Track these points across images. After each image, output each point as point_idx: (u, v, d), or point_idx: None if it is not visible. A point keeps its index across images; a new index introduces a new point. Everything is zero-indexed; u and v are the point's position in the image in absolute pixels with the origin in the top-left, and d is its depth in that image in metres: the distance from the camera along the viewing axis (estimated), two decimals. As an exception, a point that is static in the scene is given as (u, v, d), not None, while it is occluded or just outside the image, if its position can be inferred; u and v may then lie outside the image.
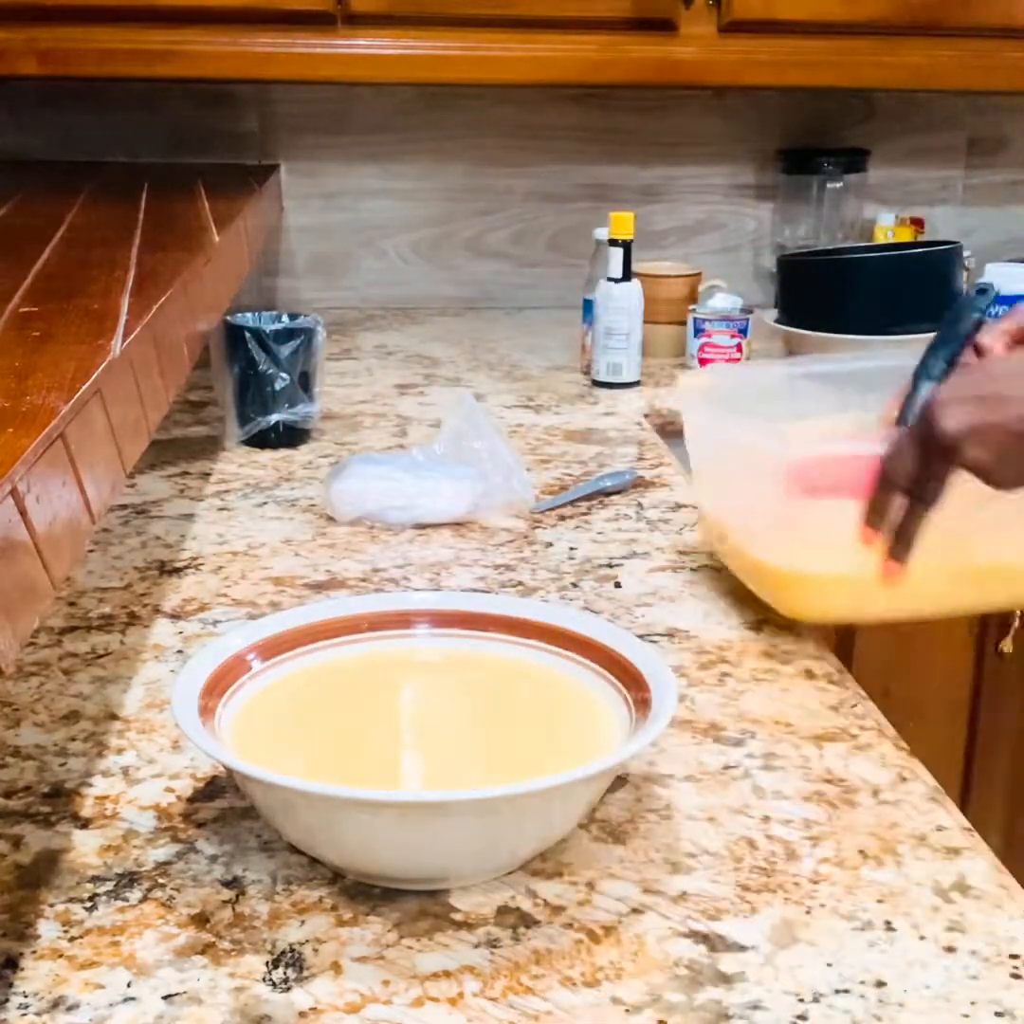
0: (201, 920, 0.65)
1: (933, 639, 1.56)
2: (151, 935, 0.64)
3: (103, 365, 0.67)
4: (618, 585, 1.06)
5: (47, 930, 0.64)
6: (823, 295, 1.79)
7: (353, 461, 1.23)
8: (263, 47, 1.77)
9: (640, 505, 1.25)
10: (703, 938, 0.64)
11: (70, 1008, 0.59)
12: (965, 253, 1.85)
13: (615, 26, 1.81)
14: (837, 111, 2.13)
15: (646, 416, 1.59)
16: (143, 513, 1.23)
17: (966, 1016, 0.59)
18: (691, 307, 1.81)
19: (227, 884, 0.68)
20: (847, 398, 1.03)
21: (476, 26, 1.79)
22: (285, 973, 0.61)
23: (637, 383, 1.71)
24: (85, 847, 0.71)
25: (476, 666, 0.79)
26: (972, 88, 1.99)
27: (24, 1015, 0.59)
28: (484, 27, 1.79)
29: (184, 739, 0.77)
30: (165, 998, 0.60)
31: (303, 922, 0.65)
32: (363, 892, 0.67)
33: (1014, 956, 0.63)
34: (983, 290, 0.93)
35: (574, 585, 1.06)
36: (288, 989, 0.60)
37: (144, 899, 0.66)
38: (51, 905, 0.66)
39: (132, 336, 0.75)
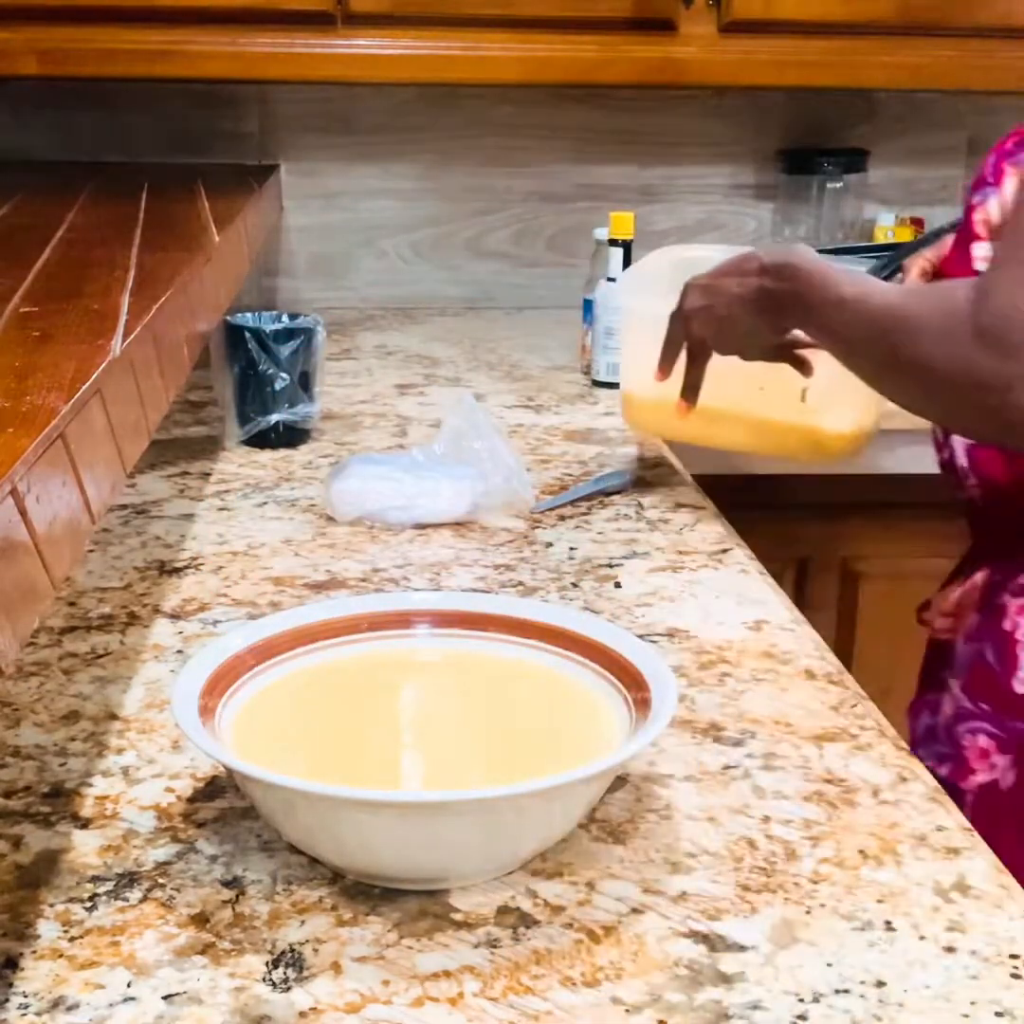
0: (201, 920, 0.65)
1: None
2: (151, 935, 0.64)
3: (103, 365, 0.67)
4: (618, 585, 1.06)
5: (47, 930, 0.64)
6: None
7: (353, 461, 1.23)
8: (263, 47, 1.77)
9: (640, 505, 1.25)
10: (703, 938, 0.64)
11: (70, 1008, 0.59)
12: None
13: (615, 26, 1.81)
14: (837, 111, 2.13)
15: (646, 416, 1.59)
16: (143, 513, 1.23)
17: (966, 1016, 0.59)
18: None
19: (227, 884, 0.68)
20: None
21: (476, 26, 1.79)
22: (285, 973, 0.61)
23: (637, 383, 1.71)
24: (85, 847, 0.71)
25: (476, 666, 0.79)
26: (972, 88, 1.98)
27: (24, 1015, 0.59)
28: (484, 27, 1.79)
29: (184, 739, 0.77)
30: (165, 998, 0.60)
31: (303, 922, 0.65)
32: (363, 892, 0.67)
33: (1014, 956, 0.63)
34: (956, 225, 1.09)
35: (574, 585, 1.06)
36: (288, 989, 0.60)
37: (144, 899, 0.66)
38: (51, 905, 0.66)
39: (132, 336, 0.75)
